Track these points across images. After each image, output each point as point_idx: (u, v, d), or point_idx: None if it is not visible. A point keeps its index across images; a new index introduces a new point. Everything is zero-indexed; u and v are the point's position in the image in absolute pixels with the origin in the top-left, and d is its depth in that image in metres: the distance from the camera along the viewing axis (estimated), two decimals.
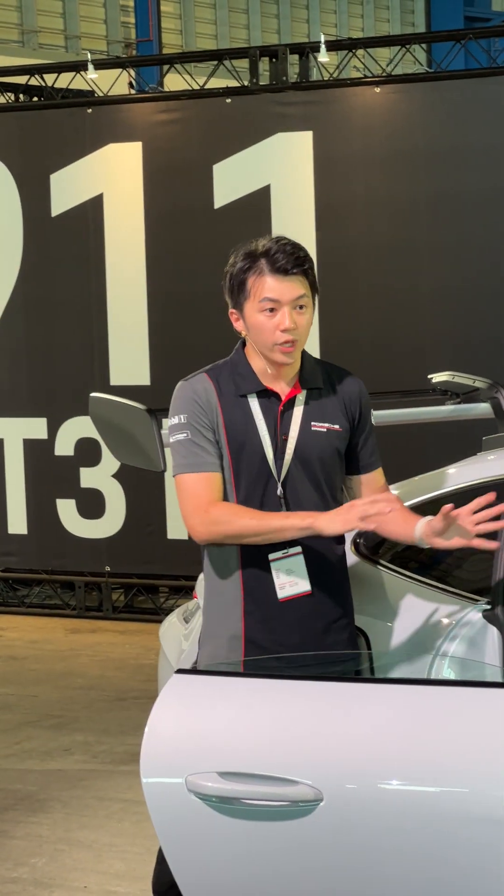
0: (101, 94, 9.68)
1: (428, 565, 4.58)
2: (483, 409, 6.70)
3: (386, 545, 4.64)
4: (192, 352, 8.96)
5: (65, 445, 9.57)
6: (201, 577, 5.50)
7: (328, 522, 3.79)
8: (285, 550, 3.90)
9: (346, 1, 33.70)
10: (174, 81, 9.73)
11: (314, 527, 3.80)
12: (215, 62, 9.57)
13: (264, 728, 3.33)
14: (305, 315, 3.93)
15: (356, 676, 4.06)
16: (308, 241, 8.87)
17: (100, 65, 9.81)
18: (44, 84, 9.90)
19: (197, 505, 3.91)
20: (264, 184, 9.01)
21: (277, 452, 3.92)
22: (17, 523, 9.82)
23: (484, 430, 5.71)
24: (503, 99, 8.52)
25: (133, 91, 10.45)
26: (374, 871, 3.21)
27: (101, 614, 9.73)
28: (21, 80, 10.08)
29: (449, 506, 3.83)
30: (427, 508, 4.66)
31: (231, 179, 9.07)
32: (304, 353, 4.05)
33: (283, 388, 3.98)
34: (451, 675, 4.09)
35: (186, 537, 6.88)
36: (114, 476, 9.41)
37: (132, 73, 10.05)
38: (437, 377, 6.68)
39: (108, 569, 9.62)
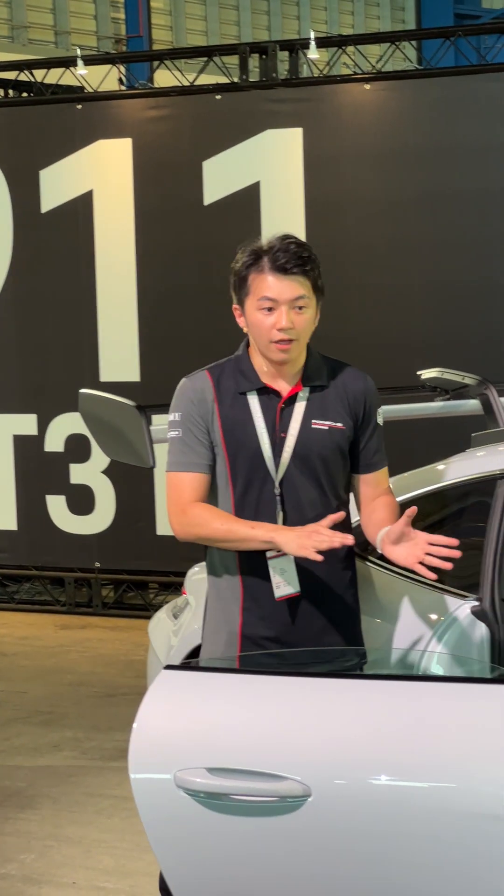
0: (90, 90, 9.67)
1: None
2: (472, 405, 6.71)
3: None
4: (182, 348, 8.96)
5: (54, 441, 9.56)
6: (190, 572, 5.51)
7: (286, 541, 3.77)
8: (277, 551, 3.90)
9: None
10: (164, 78, 9.72)
11: (274, 541, 3.79)
12: (205, 59, 9.57)
13: (253, 724, 3.33)
14: (305, 315, 3.92)
15: (345, 672, 4.06)
16: (298, 236, 8.86)
17: (89, 61, 9.80)
18: (33, 80, 9.89)
19: (177, 504, 3.94)
20: (254, 180, 9.00)
21: (275, 450, 3.91)
22: (7, 519, 9.81)
23: (473, 426, 5.71)
24: (493, 96, 8.52)
25: (123, 87, 10.45)
26: (362, 867, 3.21)
27: (91, 610, 9.73)
28: (10, 75, 10.06)
29: (413, 509, 3.83)
30: (416, 505, 4.66)
31: (221, 176, 9.07)
32: (310, 351, 4.04)
33: (283, 386, 3.97)
34: (441, 671, 4.09)
35: None
36: (103, 472, 9.40)
37: (122, 69, 10.04)
38: (427, 374, 6.69)
39: (97, 565, 9.62)
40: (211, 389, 3.95)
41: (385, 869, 3.19)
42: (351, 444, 4.03)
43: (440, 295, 8.66)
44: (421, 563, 3.80)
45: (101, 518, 9.51)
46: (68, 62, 9.72)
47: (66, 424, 9.43)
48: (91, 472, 9.46)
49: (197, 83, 9.35)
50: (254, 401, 3.95)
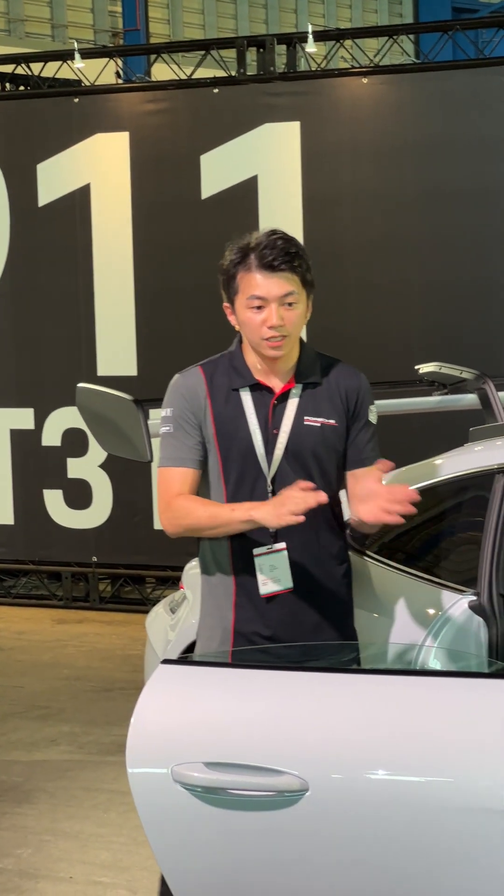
0: (88, 84, 9.66)
1: (414, 556, 4.59)
2: (470, 399, 6.71)
3: (372, 536, 4.64)
4: (179, 342, 8.95)
5: (52, 436, 9.55)
6: (187, 567, 5.51)
7: (264, 517, 3.76)
8: (269, 546, 3.89)
9: None
10: (161, 71, 9.71)
11: (254, 519, 3.79)
12: (203, 52, 9.55)
13: (250, 718, 3.33)
14: (295, 311, 3.91)
15: (343, 667, 4.06)
16: (295, 232, 8.84)
17: (87, 54, 9.78)
18: (30, 73, 9.88)
19: (164, 499, 3.95)
20: (251, 174, 8.99)
21: (268, 447, 3.91)
22: (4, 514, 9.80)
23: (471, 421, 5.71)
24: (491, 90, 8.51)
25: (120, 81, 10.43)
26: (360, 861, 3.21)
27: (88, 605, 9.73)
28: (7, 68, 10.04)
29: (387, 463, 3.91)
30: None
31: (218, 170, 9.06)
32: (304, 347, 4.03)
33: (276, 383, 3.96)
34: (437, 666, 4.09)
35: None
36: (101, 466, 9.40)
37: (119, 62, 10.02)
38: (425, 368, 6.69)
39: (94, 559, 9.61)
40: (204, 386, 3.95)
41: (383, 863, 3.19)
42: (344, 441, 4.02)
43: (438, 289, 8.65)
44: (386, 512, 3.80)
45: (98, 512, 9.50)
46: (65, 55, 9.70)
47: (64, 419, 9.42)
48: (88, 467, 9.45)
49: (194, 77, 9.34)
50: (247, 397, 3.94)
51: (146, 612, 5.96)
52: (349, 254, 8.80)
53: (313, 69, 9.28)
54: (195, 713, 3.38)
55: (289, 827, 3.22)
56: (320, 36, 9.40)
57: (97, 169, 9.38)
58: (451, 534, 4.71)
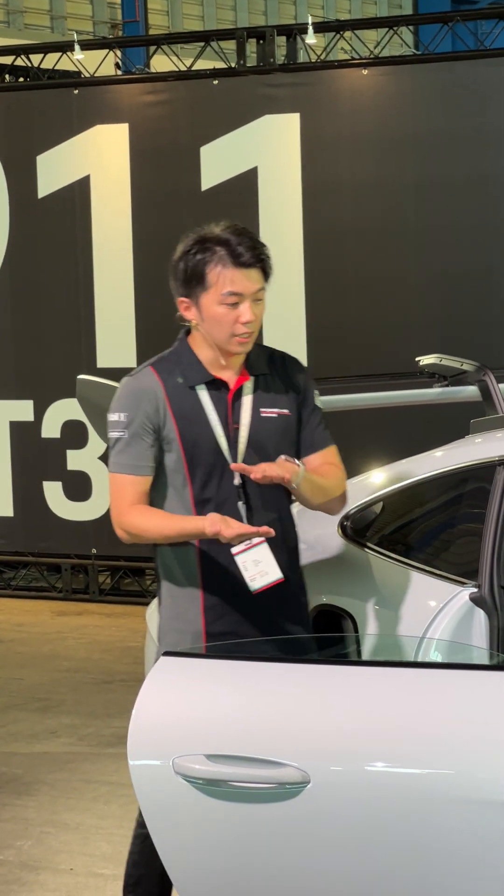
0: (87, 75, 9.64)
1: (415, 548, 4.59)
2: (471, 391, 6.70)
3: (373, 528, 4.64)
4: (178, 334, 8.93)
5: (51, 428, 9.55)
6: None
7: (208, 528, 3.77)
8: (248, 542, 3.87)
9: None
10: (161, 63, 9.69)
11: (206, 533, 3.78)
12: (202, 43, 9.54)
13: (251, 710, 3.32)
14: (262, 305, 3.94)
15: (344, 659, 4.06)
16: (295, 223, 8.86)
17: (86, 45, 9.77)
18: (30, 65, 9.86)
19: (117, 508, 3.94)
20: (251, 166, 8.98)
21: (231, 442, 3.89)
22: (3, 506, 9.80)
23: (471, 412, 5.71)
24: (490, 81, 8.50)
25: (120, 72, 10.42)
26: (361, 854, 3.21)
27: (88, 597, 9.73)
28: (7, 60, 10.03)
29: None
30: (415, 491, 4.67)
31: (218, 161, 9.05)
32: None
33: (230, 377, 3.94)
34: (439, 658, 4.09)
35: None
36: (100, 458, 9.39)
37: (119, 53, 10.01)
38: (425, 360, 6.68)
39: (94, 551, 9.61)
40: (160, 386, 3.90)
41: (384, 855, 3.18)
42: (298, 430, 4.02)
43: (438, 280, 8.65)
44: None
45: (97, 504, 9.49)
46: (65, 47, 9.69)
47: (63, 410, 9.42)
48: (88, 459, 9.45)
49: (194, 68, 9.33)
50: (204, 394, 3.91)
51: (146, 603, 5.95)
52: (349, 245, 8.79)
53: (313, 61, 9.27)
54: (196, 705, 3.38)
55: (290, 819, 3.22)
56: (320, 27, 9.39)
57: (97, 160, 9.37)
58: (452, 526, 4.71)
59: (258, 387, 3.97)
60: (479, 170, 8.53)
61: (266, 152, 8.95)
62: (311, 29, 9.09)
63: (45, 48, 10.00)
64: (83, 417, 6.91)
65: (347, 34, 9.29)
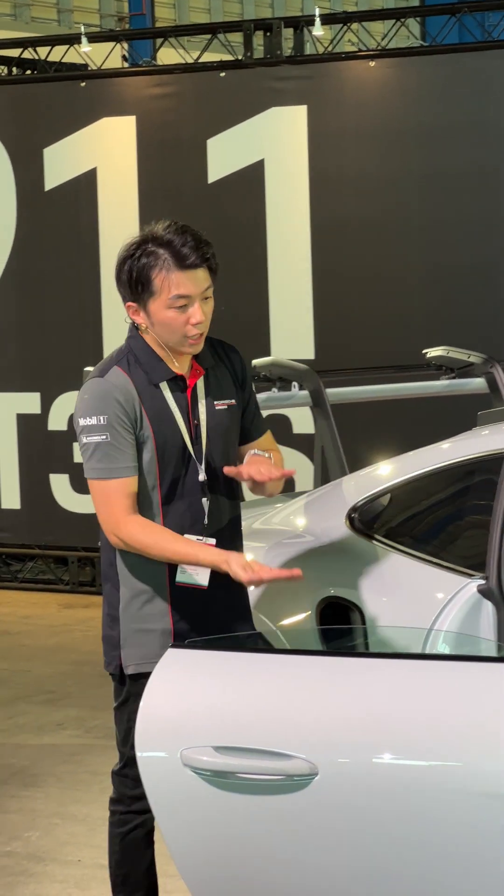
0: (94, 68, 9.64)
1: (423, 540, 4.58)
2: (478, 384, 6.71)
3: (381, 520, 4.64)
4: None
5: (58, 420, 9.55)
6: None
7: (234, 575, 3.74)
8: (200, 539, 3.87)
9: None
10: (168, 55, 9.69)
11: (222, 569, 3.76)
12: (209, 36, 9.53)
13: (259, 702, 3.32)
14: (211, 302, 3.89)
15: (351, 651, 4.06)
16: (301, 215, 8.85)
17: (93, 38, 9.76)
18: (37, 57, 9.86)
19: (112, 516, 3.85)
20: (258, 158, 8.97)
21: (193, 438, 3.88)
22: (10, 498, 9.81)
23: (479, 405, 5.71)
24: (498, 73, 8.48)
25: (126, 65, 10.41)
26: (368, 845, 3.21)
27: (95, 589, 9.72)
28: (14, 53, 10.03)
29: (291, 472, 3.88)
30: (422, 483, 4.67)
31: (225, 154, 9.04)
32: None
33: (186, 373, 3.92)
34: (446, 650, 4.09)
35: None
36: None
37: (125, 46, 10.00)
38: (432, 352, 6.69)
39: (101, 544, 9.59)
40: (131, 384, 3.85)
41: (392, 847, 3.18)
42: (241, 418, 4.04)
43: (444, 272, 8.64)
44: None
45: None
46: (72, 39, 9.68)
47: (70, 403, 9.37)
48: None
49: (201, 61, 9.32)
50: (167, 392, 3.89)
51: None
52: (355, 236, 8.78)
53: (320, 53, 9.26)
54: (204, 697, 3.38)
55: (298, 811, 3.22)
56: (327, 19, 9.38)
57: (104, 153, 9.36)
58: (460, 518, 4.70)
59: (208, 380, 3.95)
60: (486, 162, 8.51)
61: (273, 144, 8.95)
62: (318, 21, 9.08)
63: (51, 41, 10.00)
64: None
65: (354, 26, 9.27)
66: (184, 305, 3.81)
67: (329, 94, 8.82)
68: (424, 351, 6.79)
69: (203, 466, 3.89)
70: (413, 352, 7.21)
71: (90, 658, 8.08)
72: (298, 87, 8.88)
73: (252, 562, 3.77)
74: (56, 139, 9.46)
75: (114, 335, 9.38)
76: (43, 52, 9.85)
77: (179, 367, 3.90)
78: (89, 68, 9.74)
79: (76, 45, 9.61)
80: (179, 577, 3.87)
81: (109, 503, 3.84)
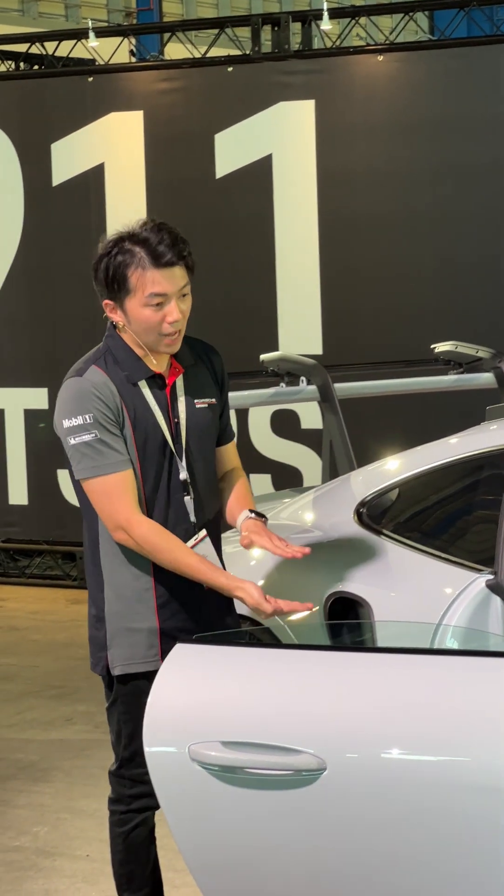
0: (102, 63, 9.63)
1: (431, 535, 4.58)
2: (486, 378, 6.70)
3: (389, 515, 4.63)
4: (192, 320, 8.91)
5: None
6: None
7: (254, 604, 3.75)
8: (196, 537, 3.88)
9: None
10: (175, 50, 9.68)
11: (237, 597, 3.78)
12: (217, 30, 9.52)
13: (267, 697, 3.32)
14: (188, 300, 3.87)
15: (359, 646, 4.06)
16: (310, 210, 8.85)
17: (101, 33, 9.76)
18: (44, 52, 9.86)
19: (119, 511, 3.82)
20: (266, 153, 8.97)
21: (175, 437, 3.88)
22: (18, 494, 9.81)
23: (487, 399, 5.70)
24: None
25: (134, 60, 10.40)
26: (376, 840, 3.21)
27: None
28: (21, 48, 10.02)
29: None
30: (430, 478, 4.66)
31: (233, 149, 9.03)
32: None
33: (165, 371, 3.92)
34: (455, 645, 4.08)
35: None
36: None
37: (133, 41, 9.99)
38: (441, 347, 6.68)
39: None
40: (111, 382, 3.84)
41: (400, 842, 3.18)
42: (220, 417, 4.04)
43: (453, 267, 8.62)
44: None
45: None
46: (80, 34, 9.68)
47: None
48: None
49: (208, 55, 9.31)
50: (146, 390, 3.88)
51: None
52: (364, 231, 8.78)
53: (328, 47, 9.24)
54: (212, 692, 3.38)
55: (306, 806, 3.22)
56: (335, 13, 9.36)
57: (111, 148, 9.36)
58: (468, 513, 4.70)
59: (188, 378, 3.94)
60: (494, 155, 8.50)
61: (281, 139, 8.94)
62: (325, 15, 9.07)
63: (59, 36, 10.00)
64: None
65: (362, 20, 9.25)
66: (160, 304, 3.80)
67: (337, 88, 8.81)
68: (433, 346, 6.79)
69: (185, 464, 3.88)
70: (421, 347, 7.21)
71: None
72: (306, 82, 8.87)
73: (269, 598, 3.77)
74: (64, 134, 9.45)
75: None
76: (50, 47, 9.84)
77: (158, 365, 3.89)
78: (97, 63, 9.73)
79: (84, 41, 9.60)
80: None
81: (113, 499, 3.82)
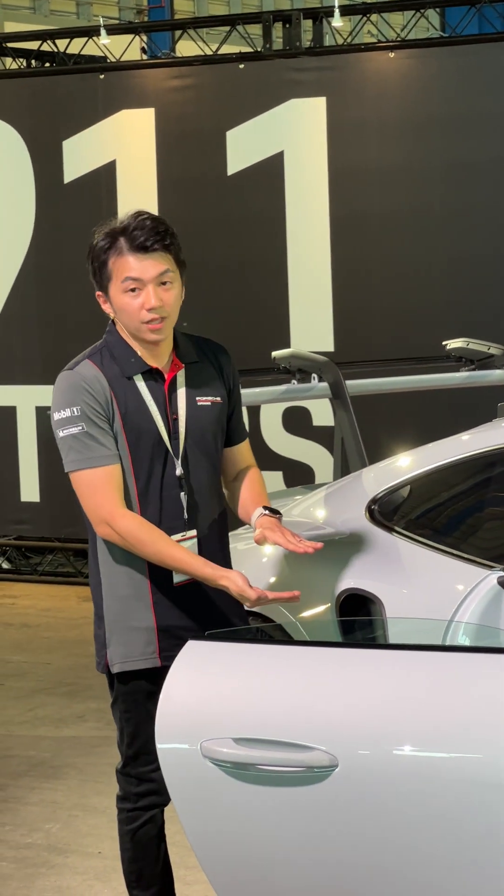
0: (113, 60, 9.63)
1: (443, 532, 4.58)
2: (498, 375, 6.70)
3: (400, 512, 4.63)
4: (204, 317, 8.93)
5: None
6: None
7: (238, 591, 3.74)
8: (183, 534, 3.87)
9: None
10: (187, 48, 9.68)
11: (222, 585, 3.75)
12: (228, 28, 9.52)
13: (279, 694, 3.32)
14: (171, 291, 3.84)
15: (371, 643, 4.05)
16: (321, 207, 8.84)
17: (112, 30, 9.76)
18: (56, 50, 9.86)
19: (102, 505, 3.83)
20: (278, 150, 8.96)
21: (171, 433, 3.87)
22: (30, 491, 9.82)
23: (499, 396, 5.69)
24: None
25: (145, 57, 10.40)
26: (388, 837, 3.21)
27: None
28: (33, 45, 10.04)
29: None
30: (442, 475, 4.66)
31: (244, 146, 9.03)
32: (174, 330, 3.96)
33: (164, 367, 3.91)
34: (466, 642, 4.08)
35: None
36: None
37: (144, 38, 10.00)
38: (452, 344, 6.68)
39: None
40: (103, 377, 3.85)
41: (412, 839, 3.18)
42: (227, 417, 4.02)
43: (465, 264, 8.62)
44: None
45: None
46: (91, 32, 9.68)
47: None
48: None
49: (220, 52, 9.31)
50: (142, 385, 3.87)
51: None
52: (375, 229, 8.77)
53: (339, 44, 9.24)
54: (224, 689, 3.38)
55: (318, 802, 3.22)
56: (346, 10, 9.35)
57: (123, 145, 9.36)
58: (480, 509, 4.69)
59: (190, 375, 3.93)
60: None
61: (292, 136, 8.93)
62: (337, 12, 9.06)
63: (70, 33, 10.00)
64: None
65: (374, 17, 9.25)
66: (135, 289, 3.81)
67: (348, 85, 8.81)
68: (444, 342, 6.78)
69: (180, 461, 3.87)
70: (433, 343, 7.20)
71: None
72: (318, 79, 8.87)
73: (255, 588, 3.75)
74: (75, 131, 9.46)
75: None
76: (62, 44, 9.85)
77: (156, 360, 3.89)
78: (108, 61, 9.73)
79: (95, 38, 9.61)
80: (177, 577, 3.87)
81: (97, 493, 3.83)
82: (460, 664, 3.29)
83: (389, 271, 8.77)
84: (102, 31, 9.52)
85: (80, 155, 9.46)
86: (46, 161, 9.56)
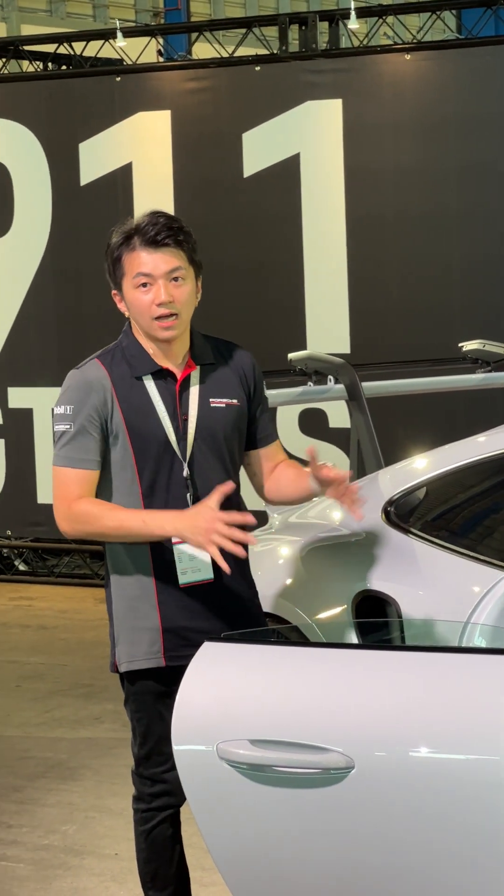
0: (129, 63, 9.64)
1: (459, 533, 4.57)
2: None
3: (417, 513, 4.63)
4: (219, 319, 8.92)
5: None
6: None
7: (185, 534, 3.73)
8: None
9: None
10: (203, 50, 9.69)
11: (177, 534, 3.75)
12: (244, 30, 9.53)
13: (295, 695, 3.32)
14: (184, 287, 3.84)
15: (387, 644, 4.05)
16: (337, 209, 8.84)
17: (129, 33, 9.77)
18: (72, 53, 9.88)
19: (63, 501, 3.89)
20: (294, 152, 8.96)
21: (179, 433, 3.86)
22: (47, 493, 9.82)
23: None
24: None
25: (162, 59, 10.42)
26: (404, 839, 3.20)
27: None
28: (49, 48, 10.06)
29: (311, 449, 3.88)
30: (458, 476, 4.65)
31: (260, 148, 9.03)
32: (192, 329, 3.96)
33: (177, 367, 3.91)
34: (483, 644, 4.07)
35: None
36: None
37: (161, 41, 10.01)
38: (468, 345, 6.67)
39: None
40: (107, 377, 3.87)
41: (428, 841, 3.18)
42: (246, 420, 4.00)
43: (481, 266, 8.61)
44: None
45: None
46: (107, 34, 9.70)
47: None
48: None
49: (236, 55, 9.32)
50: (151, 385, 3.88)
51: None
52: (391, 230, 8.77)
53: (355, 46, 9.24)
54: (240, 690, 3.38)
55: (335, 804, 3.22)
56: (363, 12, 9.37)
57: (139, 148, 9.37)
58: (496, 511, 4.69)
59: (205, 376, 3.92)
60: None
61: (308, 138, 8.93)
62: (353, 14, 9.07)
63: (87, 36, 10.02)
64: None
65: (390, 19, 9.26)
66: (146, 284, 3.83)
67: (365, 87, 8.81)
68: (460, 344, 6.77)
69: (187, 462, 3.87)
70: (449, 345, 7.20)
71: None
72: (334, 81, 8.87)
73: (205, 516, 3.72)
74: (91, 134, 9.47)
75: None
76: (78, 47, 9.87)
77: (169, 360, 3.90)
78: (125, 63, 9.75)
79: (111, 40, 9.62)
80: (182, 580, 3.86)
81: (63, 490, 3.90)
82: (477, 666, 3.29)
83: (405, 273, 8.77)
84: (119, 34, 9.54)
85: (97, 157, 9.47)
86: (63, 163, 9.58)
